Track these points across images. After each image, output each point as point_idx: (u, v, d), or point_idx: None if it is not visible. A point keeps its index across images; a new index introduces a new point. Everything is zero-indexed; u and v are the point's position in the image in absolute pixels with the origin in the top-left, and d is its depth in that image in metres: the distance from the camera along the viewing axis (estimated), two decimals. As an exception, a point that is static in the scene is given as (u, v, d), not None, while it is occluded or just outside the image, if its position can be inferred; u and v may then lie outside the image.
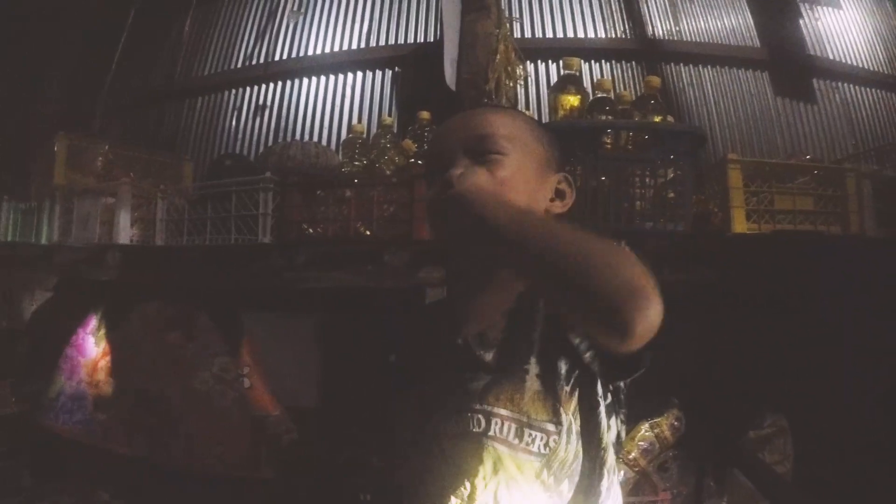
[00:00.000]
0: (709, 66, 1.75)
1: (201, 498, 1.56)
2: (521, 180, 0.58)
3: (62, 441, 1.75)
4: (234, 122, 1.86)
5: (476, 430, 0.53)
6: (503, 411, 0.53)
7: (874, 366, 1.33)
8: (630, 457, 1.37)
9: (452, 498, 0.53)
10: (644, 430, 1.38)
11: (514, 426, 0.53)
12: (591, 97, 1.29)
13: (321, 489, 1.47)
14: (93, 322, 1.82)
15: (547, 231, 0.48)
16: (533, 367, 0.55)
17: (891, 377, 1.31)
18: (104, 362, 1.77)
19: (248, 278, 1.40)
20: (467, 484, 0.53)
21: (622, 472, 1.37)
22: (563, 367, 0.54)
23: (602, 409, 0.55)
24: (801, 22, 1.89)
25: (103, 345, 1.78)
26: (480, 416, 0.54)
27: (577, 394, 0.54)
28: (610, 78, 1.61)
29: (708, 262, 1.21)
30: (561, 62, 1.34)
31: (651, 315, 0.42)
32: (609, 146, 1.17)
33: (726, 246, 1.20)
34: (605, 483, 0.56)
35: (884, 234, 1.33)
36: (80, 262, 1.67)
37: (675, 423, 1.39)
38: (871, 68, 2.00)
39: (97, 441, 1.70)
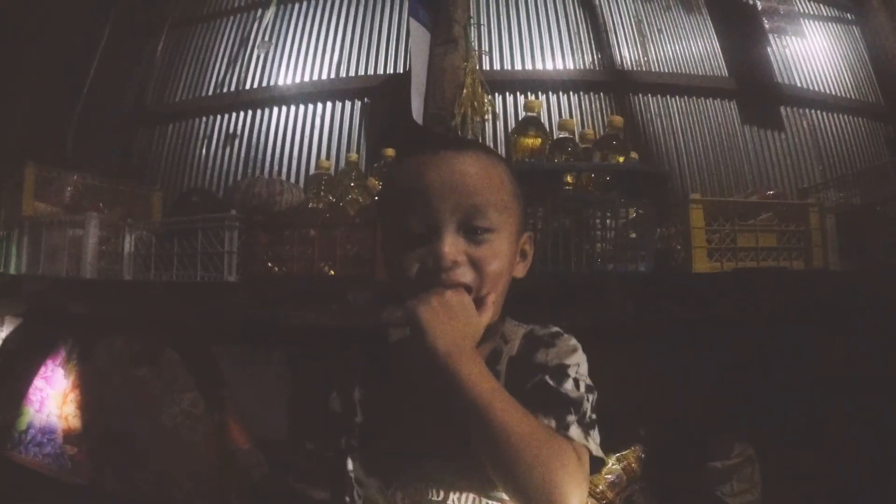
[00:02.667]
0: (677, 97, 1.77)
1: (172, 534, 1.54)
2: (503, 254, 0.57)
3: (32, 474, 1.72)
4: (203, 151, 1.84)
5: (435, 499, 0.54)
6: (462, 483, 0.54)
7: (840, 395, 1.35)
8: (598, 490, 1.37)
9: None
10: (611, 462, 1.38)
11: (472, 497, 0.54)
12: (554, 135, 1.29)
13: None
14: (62, 354, 1.80)
15: (494, 410, 0.48)
16: None
17: (856, 406, 1.33)
18: (73, 395, 1.75)
19: (214, 315, 1.38)
20: None
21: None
22: None
23: None
24: (768, 50, 1.92)
25: (72, 377, 1.76)
26: (441, 487, 0.55)
27: None
28: (578, 109, 1.63)
29: (671, 299, 1.23)
30: (522, 104, 1.34)
31: None
32: (570, 187, 1.17)
33: (688, 285, 1.21)
34: None
35: (847, 267, 1.35)
36: (48, 293, 1.66)
37: (643, 456, 1.39)
38: (839, 94, 2.03)
39: (67, 475, 1.68)
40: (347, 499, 0.60)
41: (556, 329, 0.60)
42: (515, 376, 0.57)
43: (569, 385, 0.54)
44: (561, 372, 0.55)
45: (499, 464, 0.47)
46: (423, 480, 0.55)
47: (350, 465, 0.60)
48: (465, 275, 0.54)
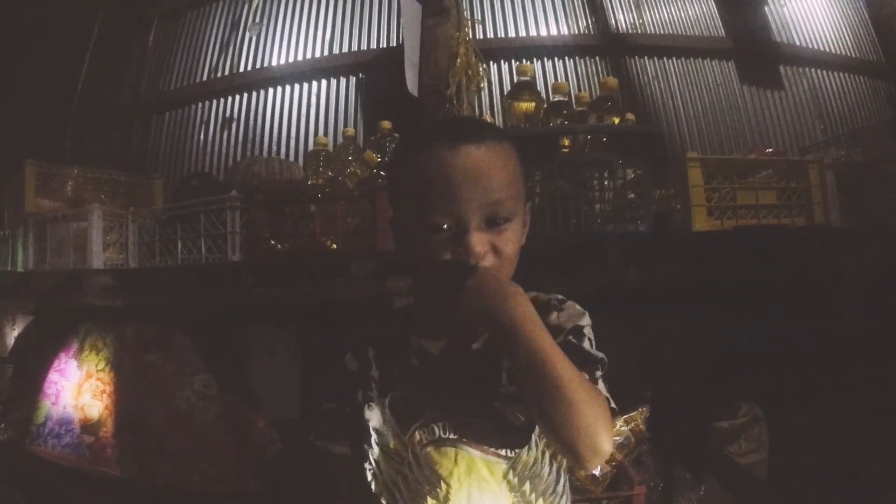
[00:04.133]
0: (674, 58, 1.75)
1: (190, 518, 1.57)
2: (518, 236, 0.61)
3: (53, 466, 1.75)
4: (201, 137, 1.85)
5: (453, 436, 0.59)
6: (475, 421, 0.59)
7: (845, 352, 1.35)
8: (607, 452, 1.39)
9: (429, 499, 0.59)
10: (619, 424, 1.39)
11: (486, 433, 0.59)
12: (548, 99, 1.28)
13: (309, 500, 1.49)
14: (74, 346, 1.83)
15: (553, 364, 0.52)
16: (503, 386, 0.60)
17: (860, 363, 1.33)
18: (87, 385, 1.78)
19: (220, 296, 1.40)
20: (443, 485, 0.59)
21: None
22: None
23: None
24: (766, 9, 1.88)
25: (86, 368, 1.79)
26: (456, 426, 0.59)
27: None
28: (574, 75, 1.61)
29: (672, 260, 1.23)
30: (515, 68, 1.33)
31: (600, 462, 0.54)
32: (567, 150, 1.17)
33: (688, 244, 1.21)
34: (562, 483, 0.63)
35: (848, 224, 1.34)
36: (57, 288, 1.68)
37: (650, 417, 1.41)
38: (838, 52, 2.00)
39: (86, 464, 1.71)
40: (366, 446, 0.64)
41: (560, 296, 0.65)
42: None
43: (588, 345, 0.60)
44: (579, 333, 0.61)
45: (552, 407, 0.51)
46: (441, 420, 0.60)
47: (368, 415, 0.63)
48: (489, 260, 0.58)
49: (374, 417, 0.63)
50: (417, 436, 0.60)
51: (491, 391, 0.60)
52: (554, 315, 0.62)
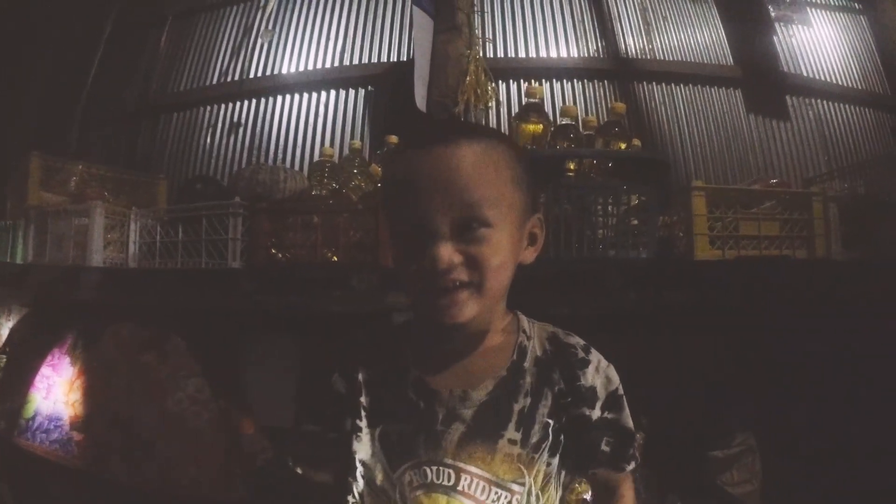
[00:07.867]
0: (681, 85, 1.76)
1: (176, 523, 1.55)
2: (503, 249, 0.55)
3: (41, 461, 1.74)
4: (208, 140, 1.85)
5: (446, 483, 0.55)
6: (474, 469, 0.55)
7: (841, 385, 1.35)
8: (599, 478, 1.38)
9: None
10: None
11: (482, 483, 0.55)
12: (556, 121, 1.29)
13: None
14: (69, 341, 1.82)
15: None
16: (509, 433, 0.56)
17: (857, 396, 1.33)
18: (80, 382, 1.77)
19: (219, 302, 1.39)
20: None
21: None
22: (535, 438, 0.57)
23: (559, 476, 0.60)
24: (774, 39, 1.90)
25: (79, 365, 1.78)
26: (451, 470, 0.55)
27: (540, 460, 0.57)
28: (582, 97, 1.62)
29: (673, 287, 1.23)
30: (524, 90, 1.34)
31: None
32: (572, 174, 1.17)
33: (690, 272, 1.21)
34: None
35: (850, 257, 1.35)
36: (55, 282, 1.67)
37: (643, 444, 1.40)
38: (845, 84, 2.02)
39: (74, 462, 1.70)
40: (351, 480, 0.61)
41: (582, 341, 0.62)
42: (543, 379, 0.59)
43: (627, 417, 0.60)
44: (618, 403, 0.60)
45: None
46: (435, 464, 0.55)
47: (355, 446, 0.60)
48: (463, 273, 0.53)
49: (361, 449, 0.59)
50: (408, 476, 0.55)
51: (495, 439, 0.55)
52: (588, 376, 0.59)
